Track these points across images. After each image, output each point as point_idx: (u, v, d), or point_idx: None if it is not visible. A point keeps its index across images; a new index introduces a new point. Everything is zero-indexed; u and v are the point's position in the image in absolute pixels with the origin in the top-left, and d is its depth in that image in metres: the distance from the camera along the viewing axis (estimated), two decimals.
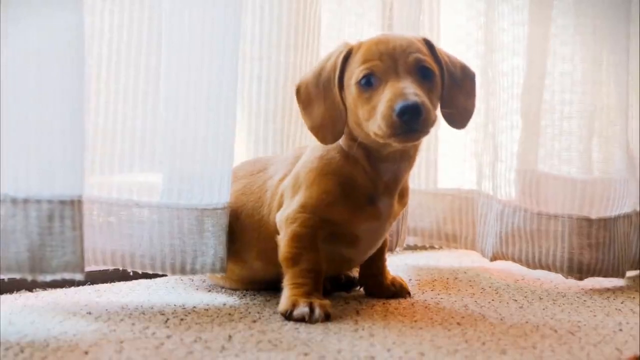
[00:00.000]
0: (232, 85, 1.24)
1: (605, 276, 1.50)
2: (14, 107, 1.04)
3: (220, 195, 1.24)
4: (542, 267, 1.52)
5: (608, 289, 1.46)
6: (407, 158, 1.21)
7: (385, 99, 1.09)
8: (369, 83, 1.13)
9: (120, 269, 1.26)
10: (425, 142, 1.70)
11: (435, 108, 1.15)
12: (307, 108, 1.21)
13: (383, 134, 1.10)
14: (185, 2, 1.21)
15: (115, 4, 1.24)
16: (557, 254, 1.49)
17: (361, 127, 1.15)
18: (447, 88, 1.19)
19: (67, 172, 1.07)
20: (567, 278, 1.51)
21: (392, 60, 1.13)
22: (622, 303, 1.33)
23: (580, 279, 1.50)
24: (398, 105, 1.07)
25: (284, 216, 1.20)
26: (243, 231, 1.27)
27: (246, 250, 1.27)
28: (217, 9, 1.22)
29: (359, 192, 1.19)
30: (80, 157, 1.08)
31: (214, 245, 1.24)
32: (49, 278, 1.06)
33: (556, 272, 1.51)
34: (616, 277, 1.52)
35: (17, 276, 1.06)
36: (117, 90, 1.25)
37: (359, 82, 1.14)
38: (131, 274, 1.31)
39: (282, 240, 1.19)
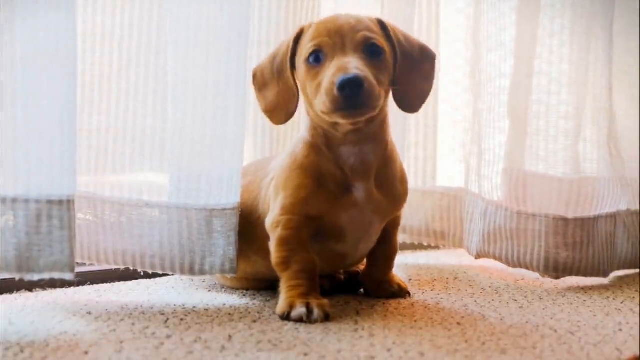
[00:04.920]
0: (242, 84, 1.24)
1: (584, 275, 1.50)
2: (2, 107, 1.04)
3: (229, 195, 1.24)
4: (520, 266, 1.52)
5: (608, 289, 1.46)
6: (369, 140, 1.20)
7: (328, 74, 1.11)
8: (317, 60, 1.14)
9: (122, 268, 1.26)
10: (414, 140, 1.71)
11: (383, 86, 1.15)
12: (262, 91, 1.24)
13: (327, 110, 1.10)
14: (192, 0, 1.22)
15: (126, 3, 1.25)
16: (534, 252, 1.50)
17: (312, 107, 1.16)
18: (400, 68, 1.19)
19: (57, 172, 1.07)
20: (543, 277, 1.52)
21: (340, 37, 1.14)
22: (622, 303, 1.33)
23: (557, 277, 1.50)
24: (338, 79, 1.07)
25: (269, 221, 1.21)
26: (246, 226, 1.27)
27: (248, 245, 1.27)
28: (224, 6, 1.22)
29: (329, 181, 1.19)
30: (71, 157, 1.09)
31: (222, 246, 1.24)
32: (36, 277, 1.06)
33: (533, 270, 1.51)
34: (597, 276, 1.52)
35: (5, 275, 1.06)
36: (128, 90, 1.26)
37: (307, 59, 1.15)
38: (132, 271, 1.32)
39: (271, 246, 1.20)
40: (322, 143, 1.20)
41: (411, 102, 1.23)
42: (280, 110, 1.22)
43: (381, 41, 1.16)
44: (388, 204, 1.24)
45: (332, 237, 1.22)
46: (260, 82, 1.24)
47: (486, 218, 1.56)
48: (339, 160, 1.19)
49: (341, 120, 1.14)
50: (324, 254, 1.23)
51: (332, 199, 1.19)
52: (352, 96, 1.08)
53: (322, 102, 1.11)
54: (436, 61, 1.26)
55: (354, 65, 1.09)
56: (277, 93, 1.21)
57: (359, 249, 1.26)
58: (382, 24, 1.20)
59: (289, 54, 1.19)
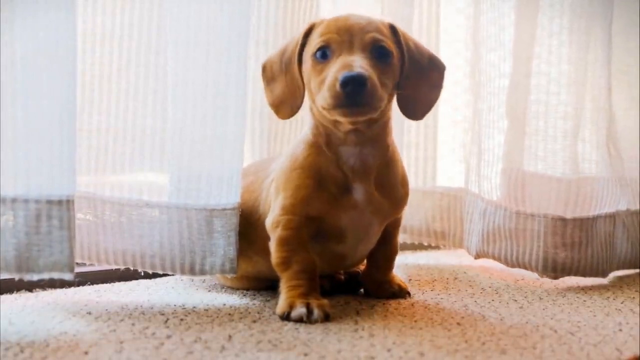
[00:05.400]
0: (242, 84, 1.24)
1: (582, 275, 1.51)
2: (2, 107, 1.04)
3: (230, 195, 1.24)
4: (519, 266, 1.52)
5: (608, 289, 1.46)
6: (370, 142, 1.20)
7: (333, 70, 1.11)
8: (324, 56, 1.15)
9: (122, 268, 1.26)
10: (414, 140, 1.71)
11: (387, 89, 1.15)
12: (270, 85, 1.24)
13: (328, 105, 1.11)
14: (191, 0, 1.22)
15: (126, 3, 1.25)
16: (533, 252, 1.50)
17: (315, 103, 1.16)
18: (407, 74, 1.19)
19: (56, 172, 1.07)
20: (541, 277, 1.52)
21: (348, 36, 1.14)
22: (622, 303, 1.33)
23: (555, 278, 1.50)
24: (342, 75, 1.08)
25: (270, 222, 1.21)
26: (247, 227, 1.27)
27: (249, 245, 1.27)
28: (224, 6, 1.22)
29: (329, 181, 1.19)
30: (71, 157, 1.08)
31: (223, 246, 1.24)
32: (36, 277, 1.06)
33: (532, 270, 1.51)
34: (595, 276, 1.52)
35: (5, 275, 1.06)
36: (128, 90, 1.26)
37: (314, 54, 1.15)
38: (132, 271, 1.32)
39: (272, 246, 1.20)
40: (323, 142, 1.20)
41: (415, 109, 1.23)
42: (286, 105, 1.22)
43: (389, 44, 1.16)
44: (389, 207, 1.24)
45: (332, 237, 1.22)
46: (269, 75, 1.24)
47: (485, 218, 1.56)
48: (339, 161, 1.19)
49: (341, 118, 1.14)
50: (323, 255, 1.23)
51: (331, 200, 1.19)
52: (353, 94, 1.08)
53: (323, 98, 1.11)
54: (445, 72, 1.26)
55: (358, 63, 1.10)
56: (284, 87, 1.21)
57: (359, 249, 1.26)
58: (393, 29, 1.20)
59: (298, 49, 1.19)
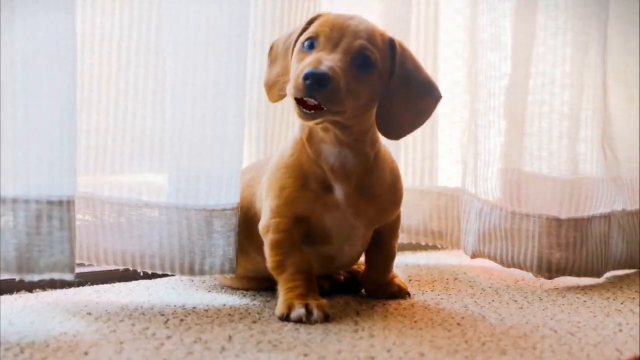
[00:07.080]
0: (241, 84, 1.24)
1: (577, 276, 1.51)
2: (2, 107, 1.03)
3: (229, 196, 1.24)
4: (514, 266, 1.53)
5: (608, 290, 1.46)
6: (348, 147, 1.18)
7: (305, 61, 1.11)
8: (311, 46, 1.14)
9: (122, 268, 1.27)
10: (412, 139, 1.71)
11: (359, 98, 1.13)
12: (271, 66, 1.24)
13: (290, 93, 1.10)
14: (191, 0, 1.22)
15: (125, 3, 1.25)
16: (527, 252, 1.51)
17: None
18: (394, 92, 1.17)
19: (56, 172, 1.07)
20: (536, 277, 1.52)
21: (339, 35, 1.13)
22: (622, 303, 1.33)
23: (550, 278, 1.51)
24: (307, 69, 1.07)
25: (261, 226, 1.21)
26: (245, 223, 1.27)
27: (247, 241, 1.27)
28: (223, 7, 1.22)
29: (311, 179, 1.19)
30: (71, 157, 1.08)
31: (222, 246, 1.24)
32: (36, 278, 1.06)
33: (527, 270, 1.52)
34: (590, 276, 1.53)
35: (5, 275, 1.07)
36: (127, 90, 1.26)
37: (302, 43, 1.15)
38: (132, 272, 1.32)
39: (265, 251, 1.20)
40: (306, 138, 1.20)
41: (392, 128, 1.19)
42: (275, 87, 1.22)
43: (376, 56, 1.14)
44: (374, 213, 1.23)
45: (319, 238, 1.22)
46: (273, 55, 1.24)
47: (481, 218, 1.56)
48: (319, 158, 1.19)
49: (296, 110, 1.11)
50: (312, 256, 1.22)
51: (314, 198, 1.18)
52: (311, 88, 1.06)
53: (290, 86, 1.11)
54: (439, 103, 1.23)
55: (328, 64, 1.08)
56: (279, 70, 1.21)
57: (346, 251, 1.25)
58: (391, 44, 1.18)
59: (297, 35, 1.19)
